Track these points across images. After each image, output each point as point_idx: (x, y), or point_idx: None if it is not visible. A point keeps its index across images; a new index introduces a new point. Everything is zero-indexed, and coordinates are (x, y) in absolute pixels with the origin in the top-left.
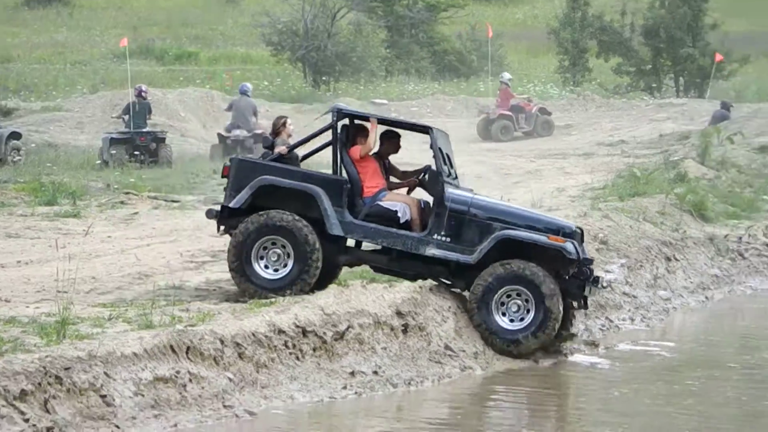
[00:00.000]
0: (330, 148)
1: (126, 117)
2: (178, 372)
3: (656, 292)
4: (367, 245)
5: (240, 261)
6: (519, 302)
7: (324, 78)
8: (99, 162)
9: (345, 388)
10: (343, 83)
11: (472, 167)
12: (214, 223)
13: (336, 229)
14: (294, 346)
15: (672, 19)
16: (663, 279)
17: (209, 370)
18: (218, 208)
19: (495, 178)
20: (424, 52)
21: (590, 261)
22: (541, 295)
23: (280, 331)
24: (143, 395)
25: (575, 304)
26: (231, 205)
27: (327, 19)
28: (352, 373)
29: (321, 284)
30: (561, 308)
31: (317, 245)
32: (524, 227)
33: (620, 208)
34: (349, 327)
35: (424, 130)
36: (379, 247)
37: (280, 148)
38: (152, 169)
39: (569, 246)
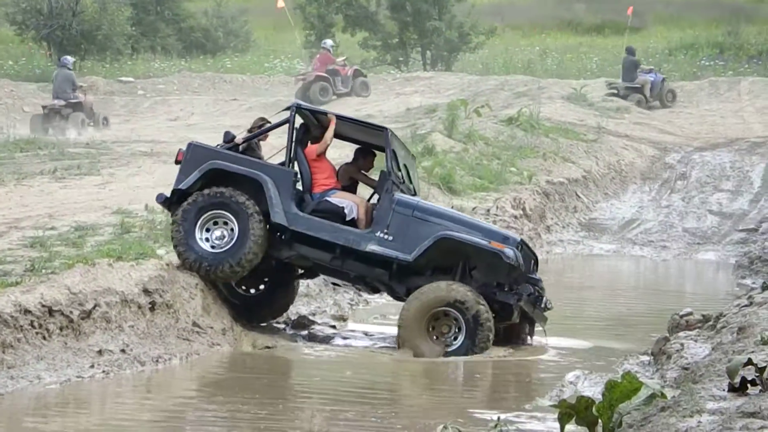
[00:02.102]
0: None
1: None
2: None
3: None
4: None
5: (184, 232)
6: (449, 324)
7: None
8: None
9: (92, 367)
10: (89, 62)
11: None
12: None
13: (279, 218)
14: (40, 326)
15: None
16: None
17: None
18: (168, 194)
19: None
20: (170, 29)
21: (537, 280)
22: (475, 319)
23: (26, 311)
24: None
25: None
26: (180, 186)
27: None
28: (100, 352)
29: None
30: (490, 333)
31: (262, 224)
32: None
33: None
34: (95, 306)
35: (379, 129)
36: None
37: (237, 138)
38: None
39: (508, 251)
